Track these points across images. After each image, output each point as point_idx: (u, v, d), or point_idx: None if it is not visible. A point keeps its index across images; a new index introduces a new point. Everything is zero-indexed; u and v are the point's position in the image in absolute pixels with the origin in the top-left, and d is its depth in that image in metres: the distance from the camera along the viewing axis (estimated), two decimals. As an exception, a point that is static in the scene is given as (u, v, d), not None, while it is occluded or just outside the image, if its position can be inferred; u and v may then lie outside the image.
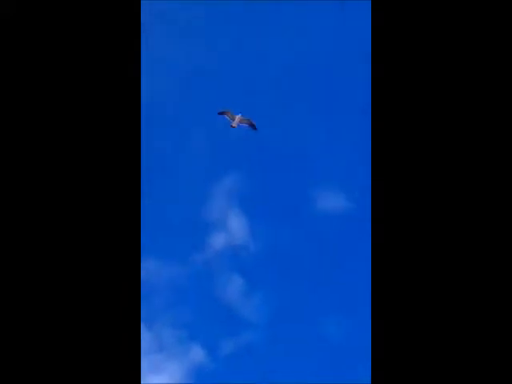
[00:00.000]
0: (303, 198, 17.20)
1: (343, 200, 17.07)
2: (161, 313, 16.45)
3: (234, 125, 15.51)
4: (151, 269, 16.11)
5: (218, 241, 16.96)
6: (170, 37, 18.03)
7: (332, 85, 17.73)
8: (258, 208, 17.26)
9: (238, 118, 15.49)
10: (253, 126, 15.57)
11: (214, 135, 17.19)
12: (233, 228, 17.09)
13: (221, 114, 15.51)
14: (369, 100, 9.64)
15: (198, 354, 16.37)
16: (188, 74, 17.99)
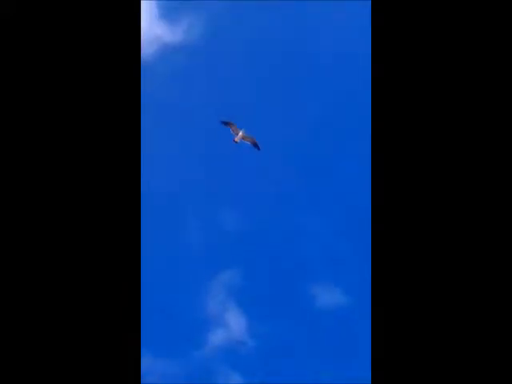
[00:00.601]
0: (301, 294, 17.22)
1: (341, 295, 17.08)
2: (158, 411, 16.35)
3: (236, 139, 15.09)
4: (147, 366, 16.00)
5: (215, 337, 16.91)
6: (169, 129, 18.09)
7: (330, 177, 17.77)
8: (256, 304, 17.23)
9: (241, 132, 15.06)
10: (255, 145, 15.16)
11: (211, 230, 17.27)
12: (231, 324, 17.06)
13: (225, 124, 15.08)
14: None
15: None
16: (185, 165, 18.02)
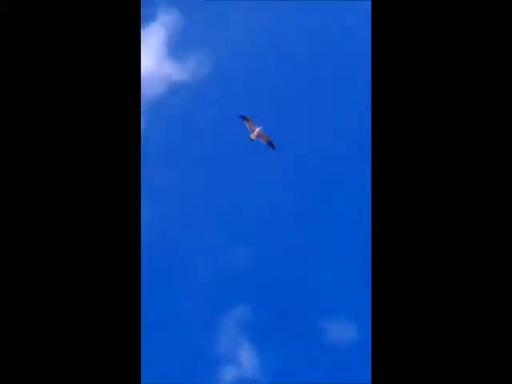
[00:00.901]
0: (314, 330, 17.04)
1: (355, 332, 16.97)
2: None
3: (252, 137, 14.96)
4: (158, 406, 15.98)
5: (227, 375, 16.75)
6: (179, 165, 18.09)
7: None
8: (269, 340, 17.09)
9: (258, 130, 14.91)
10: (271, 144, 15.02)
11: (222, 265, 17.24)
12: (243, 361, 16.95)
13: (243, 119, 14.92)
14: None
15: None
16: (195, 200, 17.99)
